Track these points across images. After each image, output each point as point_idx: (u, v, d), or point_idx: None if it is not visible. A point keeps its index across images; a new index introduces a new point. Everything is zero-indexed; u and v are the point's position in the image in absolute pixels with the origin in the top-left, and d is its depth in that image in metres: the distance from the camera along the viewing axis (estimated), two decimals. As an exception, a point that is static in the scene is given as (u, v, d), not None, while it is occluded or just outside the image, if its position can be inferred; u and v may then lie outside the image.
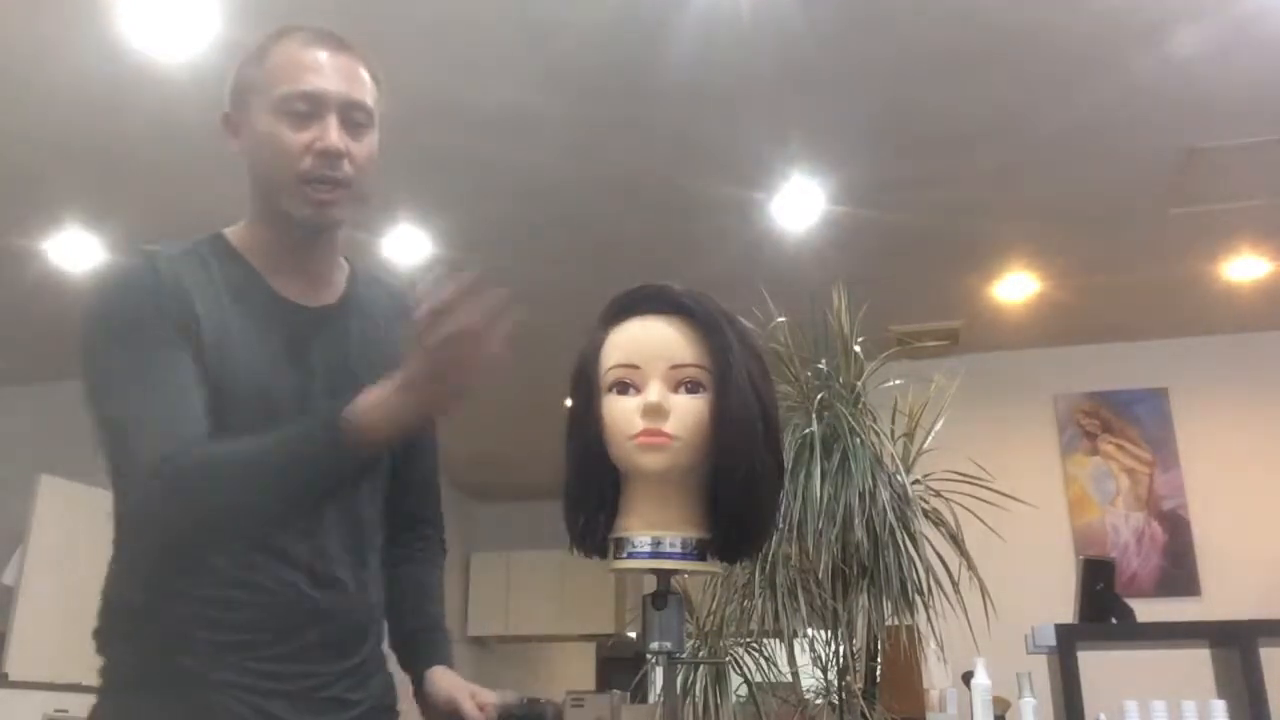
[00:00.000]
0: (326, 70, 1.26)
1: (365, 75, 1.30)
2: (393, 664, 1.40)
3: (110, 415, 1.18)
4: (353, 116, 1.27)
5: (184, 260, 1.27)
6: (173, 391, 1.18)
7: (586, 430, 1.08)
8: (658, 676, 1.08)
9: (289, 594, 1.21)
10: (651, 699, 5.43)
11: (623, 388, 1.07)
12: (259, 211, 1.31)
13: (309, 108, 1.24)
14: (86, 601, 1.28)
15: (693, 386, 1.06)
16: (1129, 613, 3.46)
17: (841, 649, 2.75)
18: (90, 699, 1.23)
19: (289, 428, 1.17)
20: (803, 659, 2.84)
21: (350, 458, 1.14)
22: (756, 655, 2.94)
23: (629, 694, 6.29)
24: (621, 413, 1.05)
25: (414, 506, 1.48)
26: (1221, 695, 3.13)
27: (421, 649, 1.38)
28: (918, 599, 2.67)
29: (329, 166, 1.24)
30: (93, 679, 1.23)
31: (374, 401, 1.11)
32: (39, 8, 2.89)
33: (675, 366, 1.06)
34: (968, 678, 3.45)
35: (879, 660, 2.86)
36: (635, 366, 1.06)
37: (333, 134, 1.24)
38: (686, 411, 1.05)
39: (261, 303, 1.28)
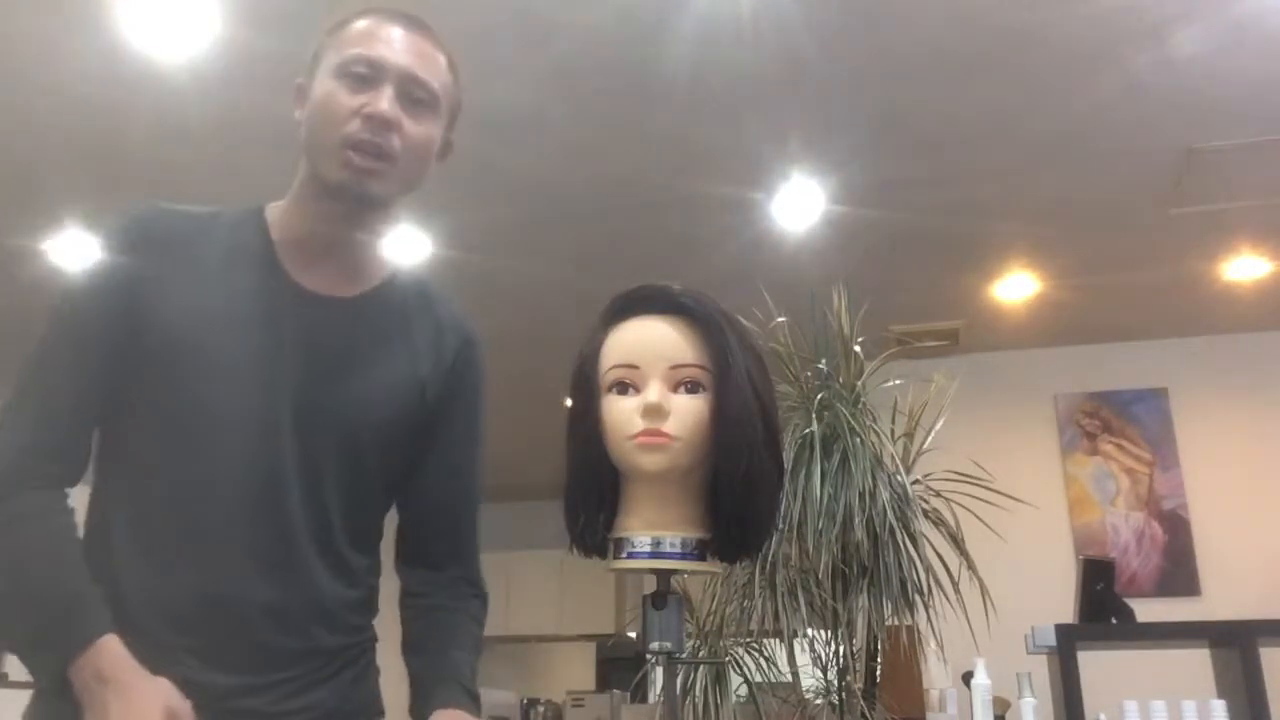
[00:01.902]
0: (395, 42, 1.21)
1: (440, 59, 1.25)
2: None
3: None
4: (412, 92, 1.20)
5: (191, 221, 1.23)
6: (47, 413, 1.15)
7: (586, 430, 1.08)
8: (658, 676, 1.09)
9: (175, 585, 1.13)
10: (651, 699, 5.43)
11: (622, 388, 1.07)
12: (301, 181, 1.25)
13: (368, 72, 1.19)
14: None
15: (692, 386, 1.06)
16: (1129, 613, 3.46)
17: (841, 649, 2.75)
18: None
19: (77, 580, 1.09)
20: (803, 659, 2.84)
21: (48, 661, 1.06)
22: (756, 655, 2.94)
23: (629, 694, 6.29)
24: (621, 413, 1.05)
25: (429, 543, 1.33)
26: (1221, 695, 3.13)
27: (431, 694, 1.21)
28: (918, 599, 2.67)
29: (374, 133, 1.16)
30: None
31: (107, 672, 1.03)
32: (39, 8, 2.89)
33: (675, 366, 1.06)
34: (968, 678, 3.45)
35: (879, 660, 2.86)
36: (635, 366, 1.06)
37: (384, 101, 1.17)
38: (686, 411, 1.05)
39: (264, 281, 1.21)
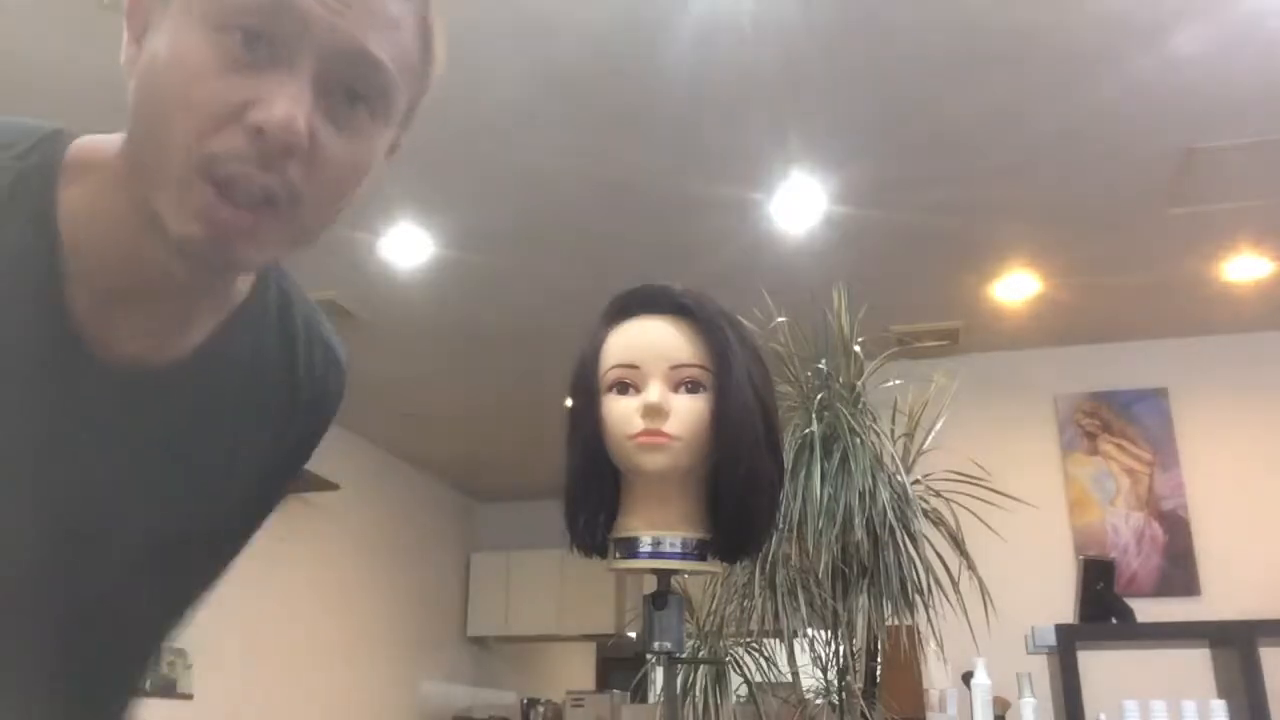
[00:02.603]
0: None
1: (407, 24, 0.69)
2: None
3: None
4: (350, 82, 0.67)
5: None
6: None
7: (587, 430, 1.08)
8: (658, 676, 1.08)
9: None
10: (651, 699, 5.43)
11: (623, 388, 1.07)
12: (120, 182, 0.70)
13: (271, 30, 0.64)
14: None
15: (693, 386, 1.06)
16: (1129, 613, 3.47)
17: (841, 649, 2.75)
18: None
19: None
20: (803, 659, 2.84)
21: None
22: (756, 655, 2.94)
23: (629, 694, 6.30)
24: (621, 413, 1.06)
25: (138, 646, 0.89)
26: (1221, 695, 3.13)
27: None
28: (918, 599, 2.67)
29: (261, 161, 0.63)
30: None
31: None
32: (41, 9, 2.89)
33: (675, 366, 1.06)
34: (968, 678, 3.45)
35: (879, 660, 2.86)
36: (635, 366, 1.06)
37: (290, 101, 0.63)
38: (686, 411, 1.05)
39: (40, 338, 0.71)
